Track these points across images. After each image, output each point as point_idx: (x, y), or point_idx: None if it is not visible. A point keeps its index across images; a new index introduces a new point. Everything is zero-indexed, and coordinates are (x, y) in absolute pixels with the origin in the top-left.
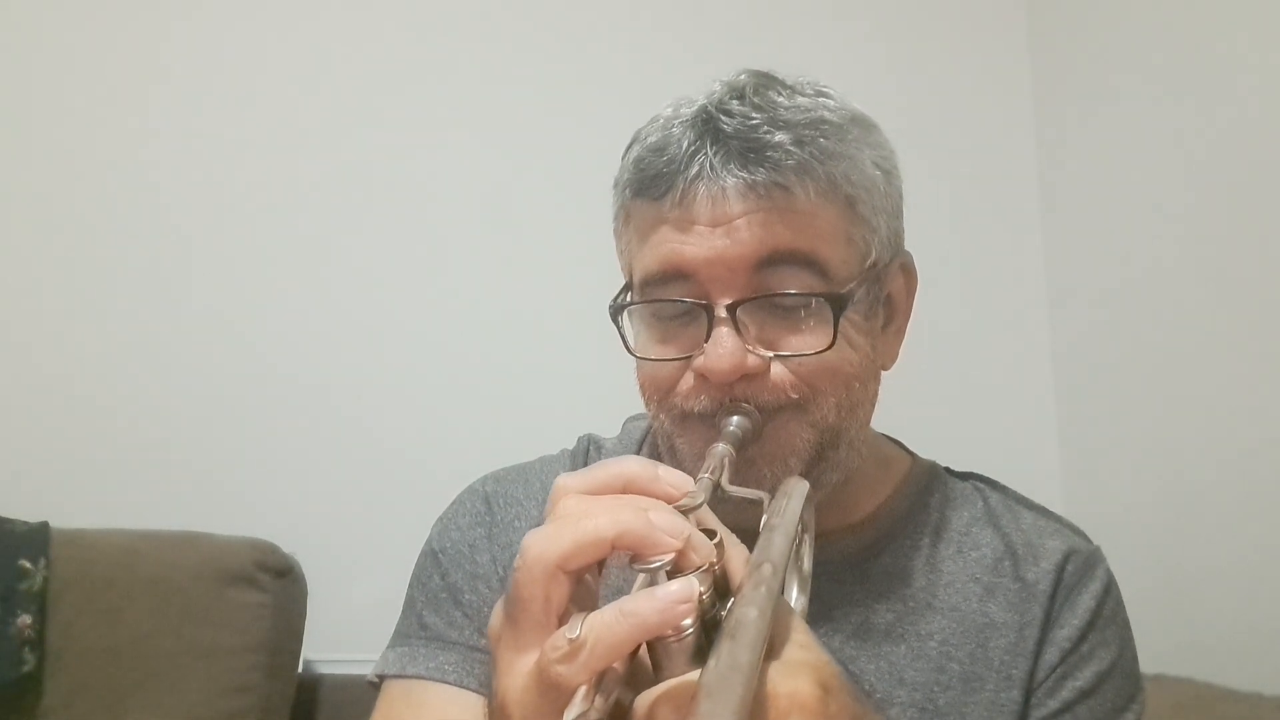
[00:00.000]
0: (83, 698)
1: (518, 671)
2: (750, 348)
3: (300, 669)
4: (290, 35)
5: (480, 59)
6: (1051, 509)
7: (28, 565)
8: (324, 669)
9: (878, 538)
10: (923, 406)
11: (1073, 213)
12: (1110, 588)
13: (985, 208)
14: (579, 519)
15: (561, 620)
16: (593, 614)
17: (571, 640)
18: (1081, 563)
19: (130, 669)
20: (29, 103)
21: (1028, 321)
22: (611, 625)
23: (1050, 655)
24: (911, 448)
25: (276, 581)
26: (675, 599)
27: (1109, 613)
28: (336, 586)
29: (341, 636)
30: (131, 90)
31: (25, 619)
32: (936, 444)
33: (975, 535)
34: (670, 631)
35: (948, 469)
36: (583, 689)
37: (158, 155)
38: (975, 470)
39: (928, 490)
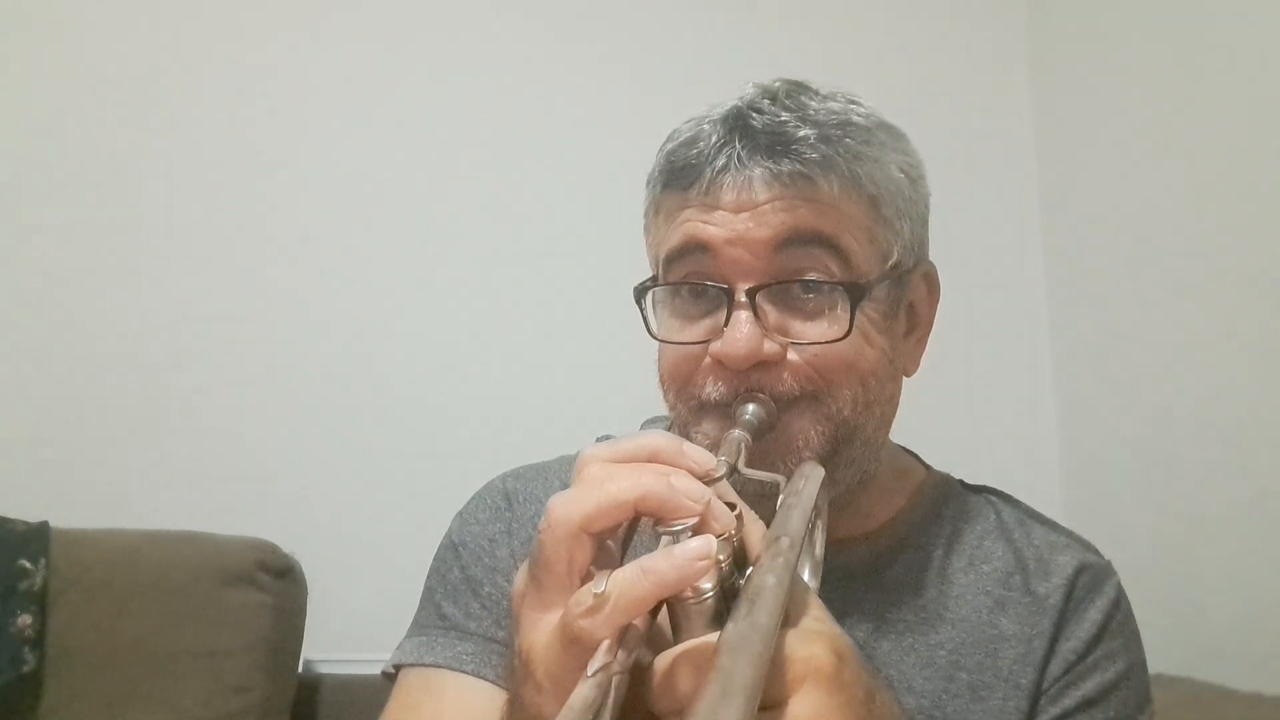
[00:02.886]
0: (83, 698)
1: (542, 628)
2: (767, 334)
3: (300, 669)
4: (290, 34)
5: (484, 57)
6: (1051, 509)
7: (28, 565)
8: (324, 669)
9: (891, 547)
10: (922, 409)
11: (1073, 213)
12: (1119, 602)
13: (985, 208)
14: (603, 482)
15: (584, 581)
16: (616, 571)
17: (596, 595)
18: (1091, 578)
19: (130, 669)
20: (34, 107)
21: (1028, 322)
22: (633, 581)
23: (1056, 666)
24: (912, 452)
25: (276, 581)
26: (694, 555)
27: (1116, 626)
28: (336, 586)
29: (341, 636)
30: (132, 90)
31: (25, 619)
32: (936, 446)
33: (987, 548)
34: (690, 591)
35: (961, 481)
36: (605, 643)
37: (161, 154)
38: (975, 472)
39: (942, 502)
